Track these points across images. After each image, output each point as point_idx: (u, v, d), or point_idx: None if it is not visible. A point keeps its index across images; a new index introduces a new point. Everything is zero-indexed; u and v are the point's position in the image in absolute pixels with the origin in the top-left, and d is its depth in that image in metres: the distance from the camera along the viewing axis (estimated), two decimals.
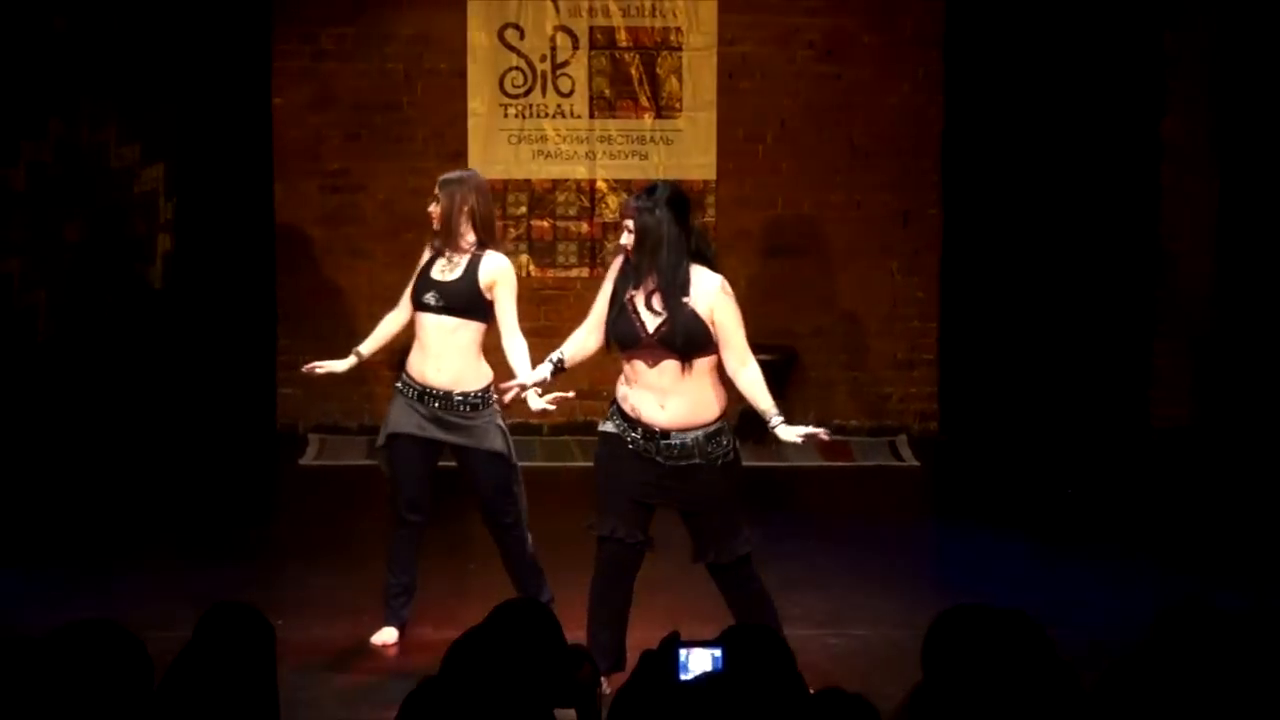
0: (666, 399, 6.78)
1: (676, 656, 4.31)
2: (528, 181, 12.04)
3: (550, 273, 12.02)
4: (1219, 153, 11.92)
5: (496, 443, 7.58)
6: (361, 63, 11.93)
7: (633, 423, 6.83)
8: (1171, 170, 11.97)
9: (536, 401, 7.16)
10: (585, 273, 12.02)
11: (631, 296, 6.80)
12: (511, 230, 11.97)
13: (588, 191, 12.02)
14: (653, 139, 12.04)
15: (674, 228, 6.78)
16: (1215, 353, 11.97)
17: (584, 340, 7.06)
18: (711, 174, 12.07)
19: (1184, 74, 11.89)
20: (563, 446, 11.53)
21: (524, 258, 11.99)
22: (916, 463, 11.63)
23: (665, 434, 6.79)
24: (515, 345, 7.54)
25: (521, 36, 11.96)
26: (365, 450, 11.54)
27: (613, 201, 11.99)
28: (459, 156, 11.87)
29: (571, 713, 4.29)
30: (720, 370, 6.87)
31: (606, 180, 12.08)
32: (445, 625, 7.52)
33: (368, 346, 7.85)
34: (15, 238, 11.63)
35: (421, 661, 7.40)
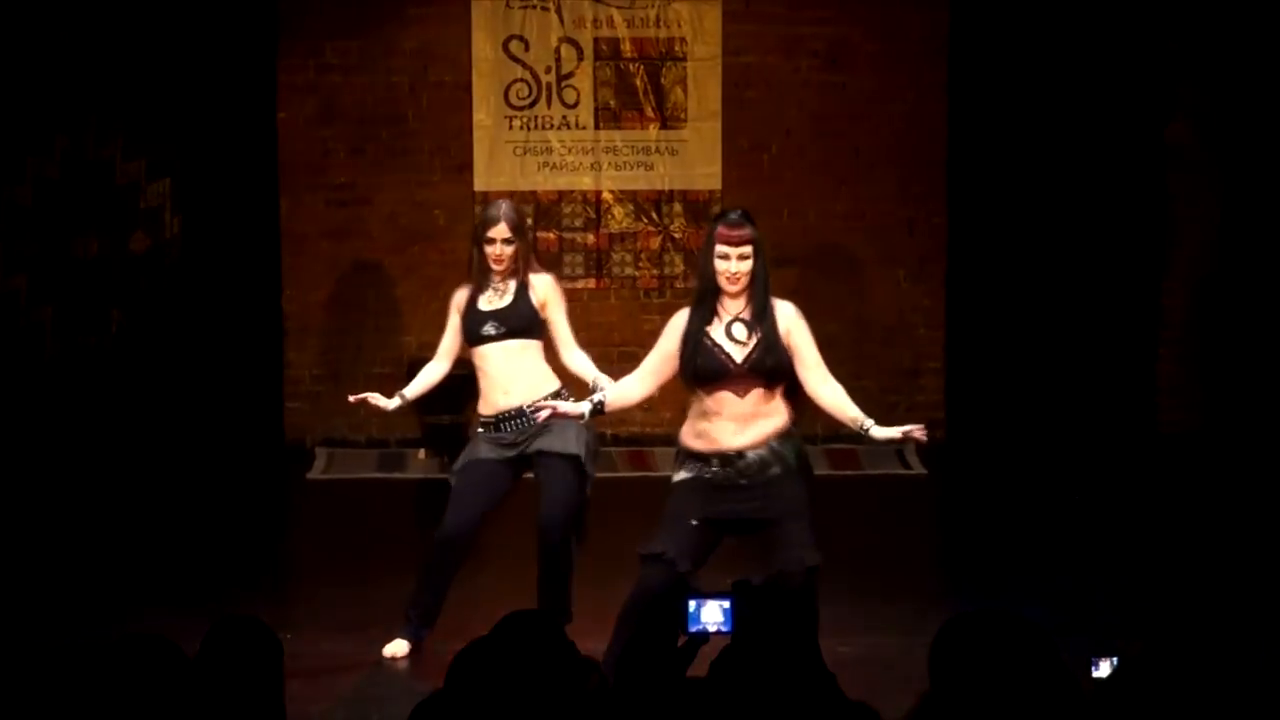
0: (747, 425, 6.76)
1: (685, 608, 4.20)
2: (533, 193, 12.05)
3: None
4: (1224, 158, 11.92)
5: (571, 445, 7.54)
6: (366, 76, 11.94)
7: (707, 458, 6.80)
8: (1177, 176, 11.96)
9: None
10: (592, 284, 12.02)
11: (707, 331, 6.77)
12: None
13: (593, 203, 12.02)
14: (658, 149, 12.04)
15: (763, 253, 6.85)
16: (1222, 358, 11.97)
17: (629, 388, 7.02)
18: (717, 184, 12.07)
19: (1189, 80, 11.89)
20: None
21: None
22: (924, 471, 11.62)
23: (741, 454, 6.76)
24: (577, 357, 7.64)
25: (526, 48, 11.97)
26: (373, 464, 11.57)
27: (618, 212, 12.00)
28: (464, 169, 11.89)
29: None
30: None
31: (612, 191, 12.09)
32: (454, 637, 7.50)
33: (412, 390, 7.84)
34: (22, 253, 11.66)
35: (430, 674, 7.40)
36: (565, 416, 7.08)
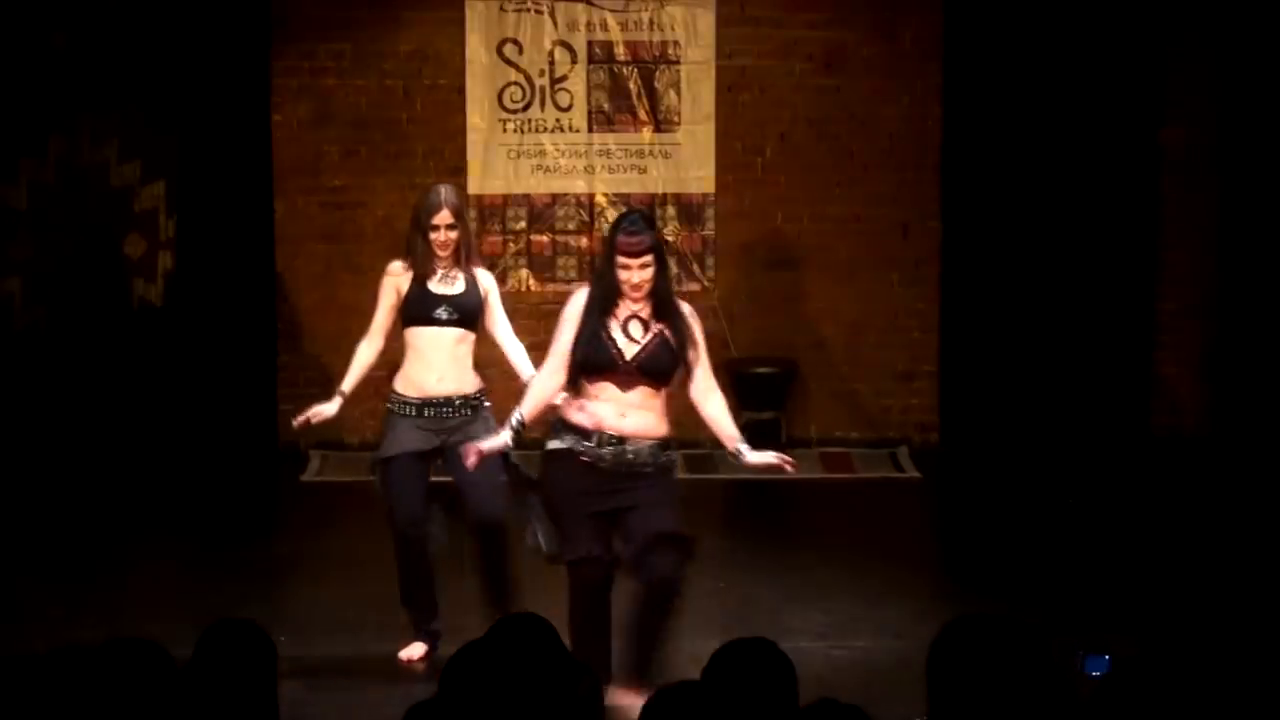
0: (629, 411, 6.82)
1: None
2: (527, 196, 12.05)
3: (550, 287, 11.99)
4: (1219, 162, 11.93)
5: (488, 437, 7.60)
6: (360, 79, 11.94)
7: (586, 433, 6.83)
8: (1171, 180, 11.97)
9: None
10: (585, 286, 12.01)
11: (605, 324, 6.81)
12: (511, 245, 11.99)
13: (587, 206, 12.02)
14: (652, 153, 12.05)
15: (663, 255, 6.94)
16: (1216, 362, 11.98)
17: (545, 385, 7.02)
18: (710, 187, 12.08)
19: (1184, 83, 11.89)
20: None
21: (523, 272, 12.01)
22: (917, 474, 11.62)
23: (622, 440, 6.80)
24: (516, 347, 7.85)
25: (520, 51, 11.97)
26: (367, 467, 11.53)
27: (612, 215, 11.98)
28: (458, 172, 11.88)
29: None
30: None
31: (606, 194, 12.09)
32: (448, 640, 7.53)
33: (348, 383, 7.92)
34: (16, 256, 11.65)
35: (425, 676, 7.42)
36: (492, 452, 7.09)
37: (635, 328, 6.81)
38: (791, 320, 12.08)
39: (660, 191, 12.07)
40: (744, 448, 6.86)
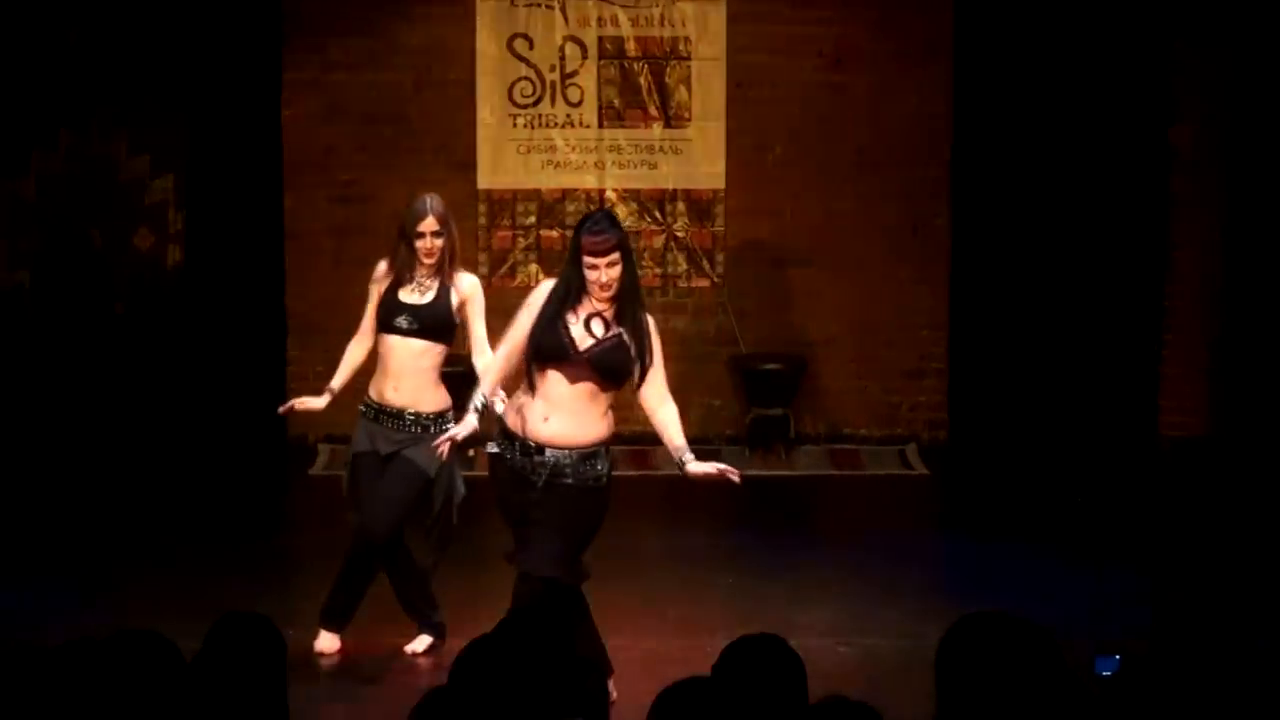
0: (555, 413, 6.75)
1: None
2: (537, 191, 12.06)
3: None
4: (1228, 161, 11.92)
5: (424, 462, 7.60)
6: (371, 73, 11.95)
7: (512, 438, 6.81)
8: (1180, 178, 11.96)
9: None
10: None
11: (564, 315, 6.78)
12: (521, 240, 12.00)
13: (597, 201, 12.02)
14: (662, 148, 12.05)
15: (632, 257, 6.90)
16: (1225, 362, 11.97)
17: (499, 365, 7.02)
18: (721, 183, 12.08)
19: (1193, 81, 11.88)
20: None
21: (533, 267, 12.01)
22: (926, 471, 11.62)
23: (540, 449, 6.75)
24: (483, 363, 7.60)
25: (530, 46, 11.98)
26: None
27: (622, 211, 12.00)
28: (468, 167, 11.90)
29: None
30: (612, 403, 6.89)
31: (616, 190, 12.10)
32: (455, 635, 7.53)
33: (338, 380, 7.95)
34: (26, 248, 11.67)
35: (434, 671, 7.43)
36: (458, 439, 7.05)
37: (596, 324, 6.77)
38: (800, 317, 12.07)
39: (670, 187, 12.08)
40: (688, 458, 6.76)
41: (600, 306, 6.79)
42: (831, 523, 10.69)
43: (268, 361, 11.97)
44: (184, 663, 4.04)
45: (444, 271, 7.72)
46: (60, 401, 11.59)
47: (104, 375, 11.69)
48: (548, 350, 6.75)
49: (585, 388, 6.75)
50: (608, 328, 6.78)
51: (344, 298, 11.89)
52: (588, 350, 6.74)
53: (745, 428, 11.72)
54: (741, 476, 6.78)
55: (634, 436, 11.61)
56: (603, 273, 6.73)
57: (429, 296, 7.70)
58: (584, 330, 6.76)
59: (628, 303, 6.80)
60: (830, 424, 12.17)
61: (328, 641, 7.85)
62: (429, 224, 7.69)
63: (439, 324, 7.70)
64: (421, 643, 7.87)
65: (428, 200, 7.79)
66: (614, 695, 6.72)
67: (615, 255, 6.74)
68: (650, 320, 6.88)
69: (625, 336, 6.77)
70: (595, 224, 6.80)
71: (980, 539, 9.93)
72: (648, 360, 6.81)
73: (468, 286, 7.75)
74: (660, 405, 6.88)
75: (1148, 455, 11.64)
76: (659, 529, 10.08)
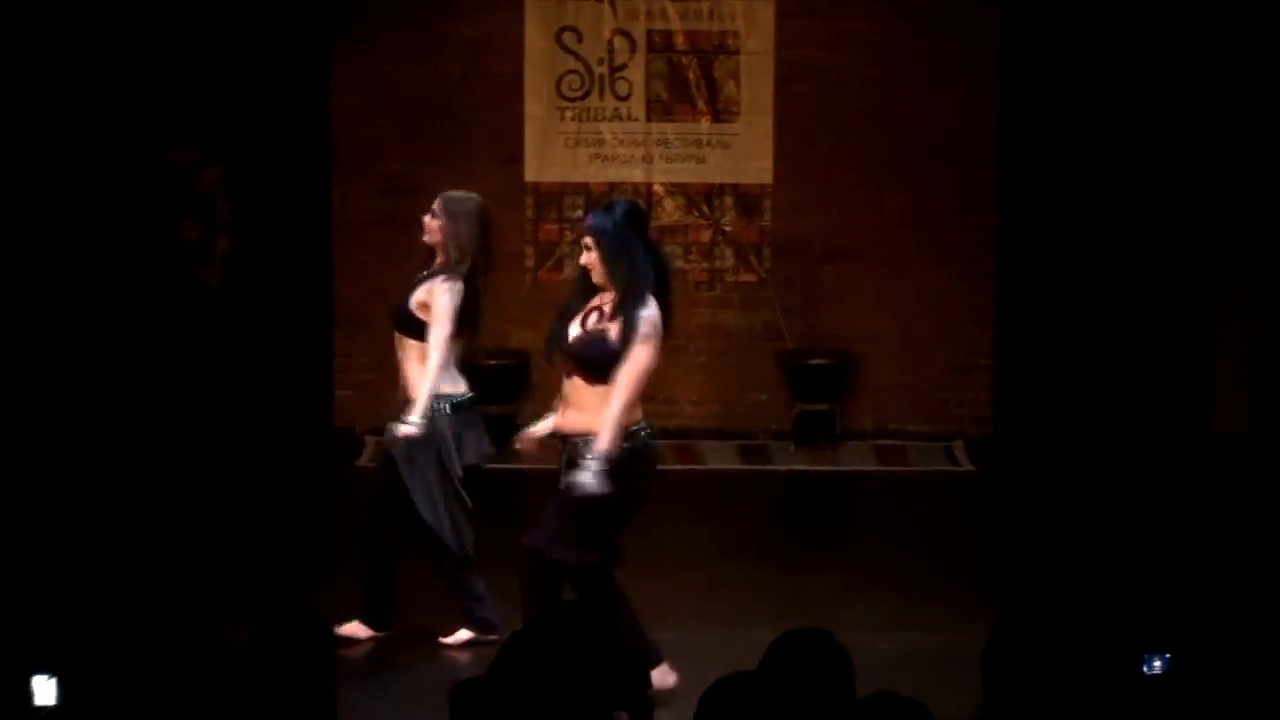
0: (572, 409, 6.84)
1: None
2: (584, 185, 12.06)
3: None
4: None
5: (399, 453, 7.59)
6: (419, 66, 11.97)
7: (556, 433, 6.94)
8: (1233, 174, 11.91)
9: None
10: None
11: (578, 309, 6.87)
12: (568, 233, 12.00)
13: (644, 195, 12.01)
14: (709, 143, 12.04)
15: (635, 245, 6.81)
16: (1276, 359, 11.91)
17: None
18: (768, 178, 12.07)
19: (1249, 78, 11.82)
20: None
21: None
22: (972, 468, 11.60)
23: (567, 438, 6.84)
24: (416, 371, 7.57)
25: (579, 39, 11.98)
26: None
27: (669, 205, 12.00)
28: (515, 160, 11.91)
29: (624, 715, 4.29)
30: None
31: (663, 184, 12.09)
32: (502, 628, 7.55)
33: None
34: (74, 239, 11.72)
35: (472, 660, 7.45)
36: (532, 438, 7.05)
37: (593, 318, 6.84)
38: (847, 312, 12.06)
39: (717, 182, 12.07)
40: (593, 461, 6.71)
41: (605, 299, 6.82)
42: (877, 518, 10.67)
43: (315, 352, 12.01)
44: (234, 651, 4.05)
45: (435, 265, 7.68)
46: (108, 393, 11.64)
47: (152, 367, 11.74)
48: (548, 343, 6.94)
49: (577, 382, 6.84)
50: (600, 321, 6.82)
51: (391, 290, 11.94)
52: (571, 344, 6.83)
53: (791, 423, 11.70)
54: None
55: (679, 431, 11.64)
56: (584, 254, 6.84)
57: (409, 292, 7.71)
58: (580, 324, 6.84)
59: (622, 294, 6.79)
60: (876, 420, 12.15)
61: (462, 634, 7.83)
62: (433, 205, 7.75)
63: (398, 319, 7.69)
64: (462, 635, 7.83)
65: (445, 194, 7.82)
66: (670, 682, 6.75)
67: (587, 239, 6.84)
68: (643, 317, 6.77)
69: (609, 333, 6.78)
70: (592, 210, 6.99)
71: (1026, 535, 9.91)
72: (624, 355, 6.78)
73: (438, 287, 7.57)
74: (602, 399, 6.80)
75: (1197, 452, 11.59)
76: (705, 522, 10.08)
